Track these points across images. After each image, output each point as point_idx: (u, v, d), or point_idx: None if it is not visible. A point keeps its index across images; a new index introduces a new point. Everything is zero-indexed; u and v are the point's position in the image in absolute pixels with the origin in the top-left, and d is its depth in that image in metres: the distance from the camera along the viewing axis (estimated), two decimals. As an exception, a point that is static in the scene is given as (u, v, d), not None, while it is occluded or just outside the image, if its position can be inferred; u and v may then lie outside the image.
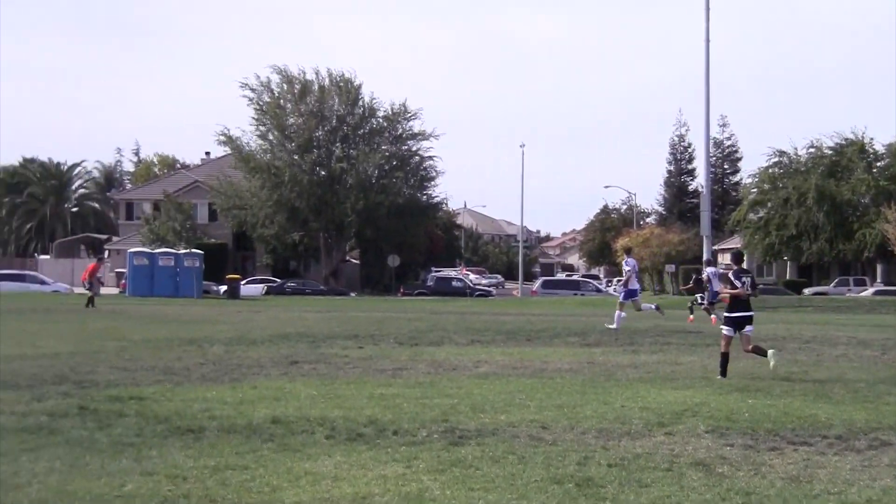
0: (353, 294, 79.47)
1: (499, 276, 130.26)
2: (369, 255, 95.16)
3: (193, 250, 70.04)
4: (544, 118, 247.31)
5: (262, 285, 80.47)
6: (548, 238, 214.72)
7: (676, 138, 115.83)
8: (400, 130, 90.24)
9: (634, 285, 31.37)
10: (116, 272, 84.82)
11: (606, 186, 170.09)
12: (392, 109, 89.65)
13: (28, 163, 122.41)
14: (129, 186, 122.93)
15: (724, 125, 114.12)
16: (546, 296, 77.16)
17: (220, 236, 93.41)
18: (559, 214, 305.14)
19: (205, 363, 19.46)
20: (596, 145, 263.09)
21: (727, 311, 18.49)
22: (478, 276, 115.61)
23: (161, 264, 64.62)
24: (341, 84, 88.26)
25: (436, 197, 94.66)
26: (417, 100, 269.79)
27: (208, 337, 26.06)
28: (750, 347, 18.39)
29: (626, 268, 31.74)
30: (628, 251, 34.97)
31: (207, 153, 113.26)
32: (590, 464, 10.41)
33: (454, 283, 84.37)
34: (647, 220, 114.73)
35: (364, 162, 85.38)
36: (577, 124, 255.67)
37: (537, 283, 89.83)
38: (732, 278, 18.53)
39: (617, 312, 30.88)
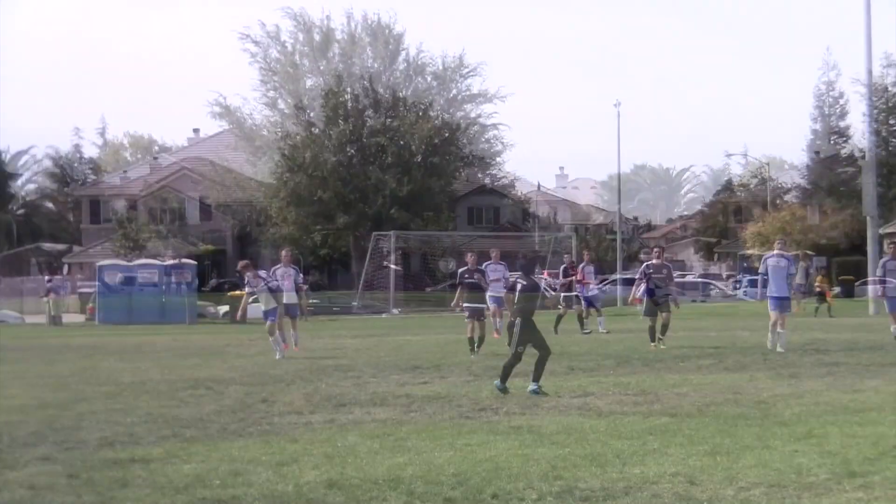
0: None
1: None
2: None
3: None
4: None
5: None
6: (649, 227, 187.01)
7: (823, 86, 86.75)
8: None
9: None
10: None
11: (729, 155, 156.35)
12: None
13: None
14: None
15: (889, 65, 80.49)
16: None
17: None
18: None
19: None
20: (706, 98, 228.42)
21: None
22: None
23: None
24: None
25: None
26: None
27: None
28: None
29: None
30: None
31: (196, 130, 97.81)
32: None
33: None
34: (786, 197, 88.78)
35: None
36: (672, 70, 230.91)
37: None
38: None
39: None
